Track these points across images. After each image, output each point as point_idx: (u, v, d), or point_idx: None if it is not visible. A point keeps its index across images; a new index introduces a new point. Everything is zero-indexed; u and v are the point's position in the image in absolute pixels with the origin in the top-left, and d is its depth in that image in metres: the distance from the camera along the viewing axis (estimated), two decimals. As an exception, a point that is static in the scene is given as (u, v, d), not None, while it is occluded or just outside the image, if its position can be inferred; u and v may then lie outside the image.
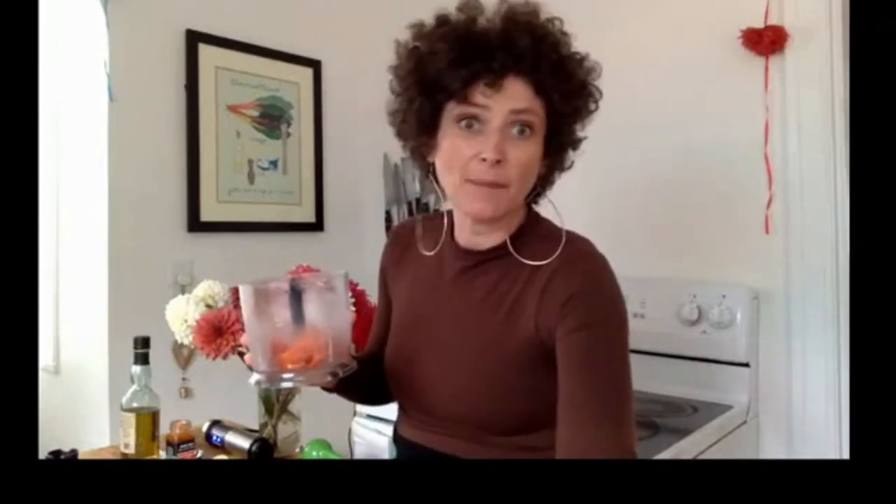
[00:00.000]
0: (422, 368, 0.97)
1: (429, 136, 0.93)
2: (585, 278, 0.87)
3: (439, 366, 0.95)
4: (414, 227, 1.05)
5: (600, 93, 0.94)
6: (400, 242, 1.08)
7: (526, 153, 0.87)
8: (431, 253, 1.00)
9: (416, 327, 1.00)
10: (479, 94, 0.86)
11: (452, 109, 0.88)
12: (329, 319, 0.88)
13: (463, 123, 0.88)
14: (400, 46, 0.93)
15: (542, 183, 0.97)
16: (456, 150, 0.88)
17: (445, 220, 1.00)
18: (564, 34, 0.90)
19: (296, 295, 0.88)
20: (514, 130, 0.87)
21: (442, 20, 0.90)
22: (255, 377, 0.88)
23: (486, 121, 0.86)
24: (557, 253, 0.89)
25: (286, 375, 0.86)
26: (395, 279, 1.07)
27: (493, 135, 0.86)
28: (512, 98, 0.86)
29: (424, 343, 0.97)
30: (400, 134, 0.97)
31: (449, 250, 0.98)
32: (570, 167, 0.98)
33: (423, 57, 0.88)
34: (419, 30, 0.91)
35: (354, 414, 1.73)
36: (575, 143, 0.95)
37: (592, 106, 0.94)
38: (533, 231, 0.95)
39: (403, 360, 1.00)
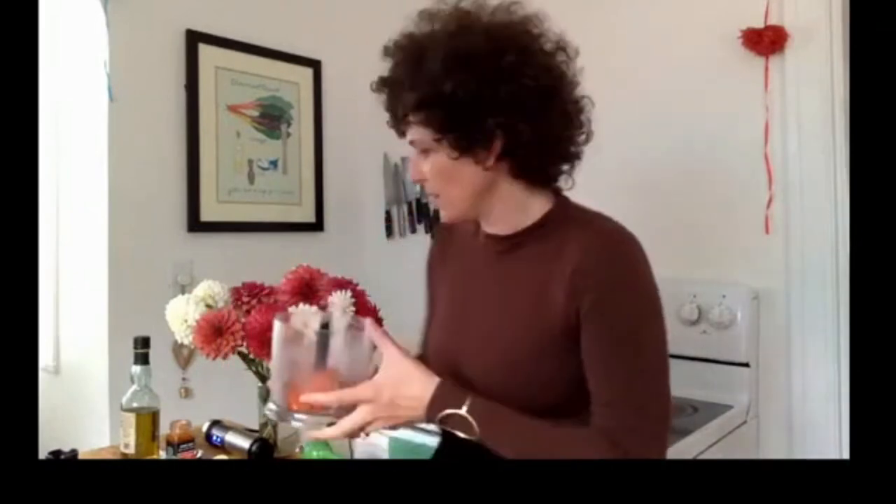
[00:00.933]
0: (461, 347, 1.01)
1: None
2: (610, 260, 0.90)
3: (476, 343, 0.99)
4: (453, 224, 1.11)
5: (508, 97, 0.91)
6: (442, 240, 1.16)
7: (430, 168, 0.96)
8: (472, 239, 1.07)
9: (458, 310, 1.05)
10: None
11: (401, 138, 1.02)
12: (348, 370, 0.91)
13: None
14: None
15: (523, 165, 0.96)
16: None
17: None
18: (450, 53, 0.90)
19: (324, 338, 0.91)
20: (421, 153, 0.98)
21: (387, 54, 0.98)
22: (269, 405, 0.92)
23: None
24: (585, 235, 0.92)
25: (294, 416, 0.89)
26: (441, 277, 1.13)
27: (413, 157, 1.00)
28: (410, 131, 0.97)
29: (464, 323, 1.02)
30: None
31: (484, 238, 1.05)
32: (538, 138, 0.95)
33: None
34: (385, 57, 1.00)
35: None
36: (485, 146, 0.94)
37: (500, 112, 0.92)
38: (562, 216, 0.98)
39: (445, 340, 1.05)
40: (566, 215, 0.98)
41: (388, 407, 0.89)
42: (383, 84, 0.97)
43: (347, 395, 0.90)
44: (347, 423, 0.90)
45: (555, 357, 0.92)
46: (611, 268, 0.90)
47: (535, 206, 0.98)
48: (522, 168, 0.96)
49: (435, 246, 1.17)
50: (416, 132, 0.95)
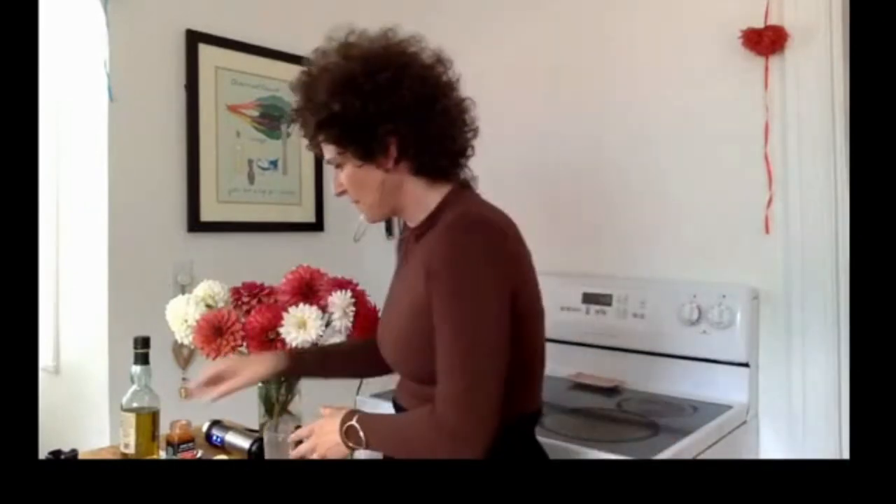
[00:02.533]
0: (383, 329, 1.20)
1: None
2: (442, 237, 1.01)
3: (389, 325, 1.17)
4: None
5: (386, 112, 1.05)
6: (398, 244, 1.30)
7: (346, 179, 1.11)
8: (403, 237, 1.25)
9: (387, 301, 1.23)
10: None
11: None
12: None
13: None
14: None
15: (420, 162, 1.09)
16: None
17: None
18: (332, 80, 1.06)
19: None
20: (333, 166, 1.13)
21: (292, 89, 1.16)
22: None
23: None
24: (444, 221, 1.04)
25: None
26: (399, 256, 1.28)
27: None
28: (324, 152, 1.12)
29: (386, 309, 1.22)
30: None
31: (408, 233, 1.21)
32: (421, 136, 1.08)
33: None
34: None
35: (354, 414, 1.73)
36: (379, 153, 1.08)
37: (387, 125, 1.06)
38: (448, 207, 1.10)
39: (380, 328, 1.23)
40: (450, 204, 1.10)
41: (320, 436, 1.10)
42: (294, 115, 1.15)
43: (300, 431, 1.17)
44: (301, 448, 1.13)
45: (426, 332, 1.01)
46: (446, 245, 1.00)
47: (433, 200, 1.11)
48: (419, 166, 1.09)
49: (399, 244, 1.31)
50: (326, 150, 1.11)
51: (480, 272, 0.98)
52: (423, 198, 1.11)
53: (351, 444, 1.07)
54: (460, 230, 1.00)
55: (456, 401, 0.96)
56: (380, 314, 1.28)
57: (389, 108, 1.04)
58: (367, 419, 1.07)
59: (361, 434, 1.05)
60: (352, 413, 1.09)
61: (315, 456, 1.11)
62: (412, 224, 1.15)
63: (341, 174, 1.12)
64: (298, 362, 1.28)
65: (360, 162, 1.08)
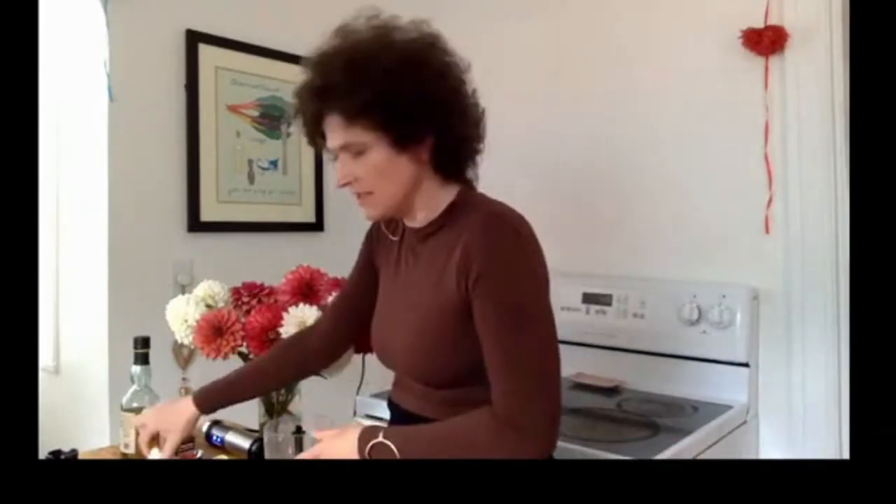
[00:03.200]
0: (388, 336, 1.14)
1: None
2: (480, 237, 0.98)
3: (396, 327, 1.12)
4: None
5: (440, 91, 1.02)
6: (377, 235, 1.25)
7: (366, 167, 1.03)
8: (396, 238, 1.19)
9: (386, 303, 1.18)
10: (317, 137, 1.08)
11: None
12: None
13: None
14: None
15: (444, 161, 1.07)
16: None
17: None
18: (390, 47, 1.01)
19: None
20: (349, 154, 1.04)
21: (305, 66, 1.08)
22: None
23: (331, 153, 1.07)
24: (474, 219, 1.01)
25: None
26: (379, 253, 1.23)
27: (337, 165, 1.06)
28: (331, 135, 1.05)
29: (389, 314, 1.16)
30: None
31: (404, 234, 1.17)
32: (467, 135, 1.08)
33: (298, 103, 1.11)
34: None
35: (354, 414, 1.74)
36: (417, 142, 1.04)
37: (429, 104, 1.02)
38: (462, 205, 1.07)
39: (378, 332, 1.18)
40: (466, 203, 1.07)
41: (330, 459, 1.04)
42: (314, 93, 1.04)
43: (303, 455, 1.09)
44: None
45: (453, 335, 1.01)
46: (491, 245, 0.97)
47: (443, 199, 1.09)
48: (441, 164, 1.07)
49: (375, 227, 1.26)
50: (352, 134, 1.02)
51: (533, 271, 0.98)
52: (435, 197, 1.08)
53: (375, 457, 1.01)
54: (501, 230, 0.98)
55: (528, 400, 0.93)
56: (374, 319, 1.21)
57: (436, 100, 1.01)
58: (397, 434, 1.00)
59: (395, 449, 0.97)
60: (371, 430, 1.01)
61: None
62: (414, 224, 1.12)
63: (357, 163, 1.04)
64: (207, 403, 1.27)
65: (394, 150, 1.02)
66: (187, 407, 1.26)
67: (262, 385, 1.33)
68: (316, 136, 1.10)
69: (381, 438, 0.98)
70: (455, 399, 1.04)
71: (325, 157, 1.12)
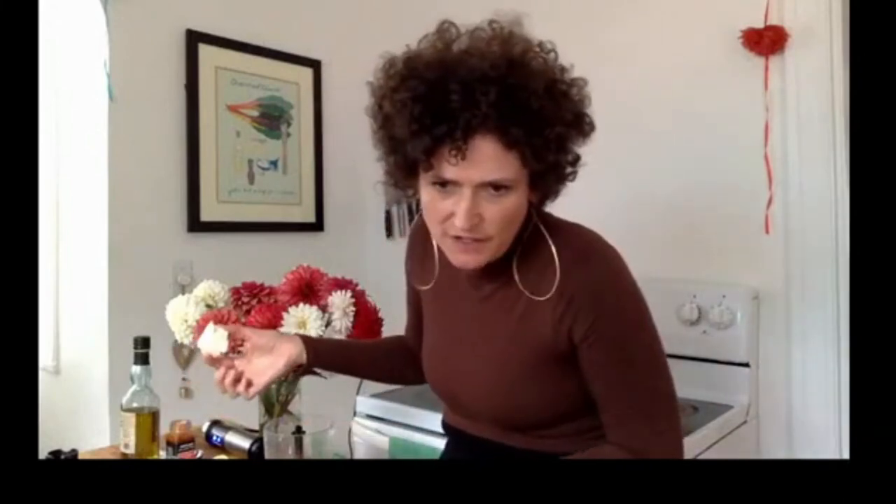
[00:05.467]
0: (453, 374, 1.02)
1: (408, 182, 0.91)
2: (593, 277, 0.89)
3: (466, 365, 0.99)
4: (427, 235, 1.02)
5: (590, 122, 0.90)
6: (418, 242, 1.11)
7: (503, 209, 0.85)
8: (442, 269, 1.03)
9: (446, 337, 1.04)
10: (446, 164, 0.81)
11: (424, 171, 0.85)
12: None
13: (437, 185, 0.85)
14: (372, 87, 0.89)
15: (540, 204, 0.95)
16: (433, 207, 0.87)
17: (436, 247, 1.01)
18: (544, 70, 0.84)
19: None
20: (490, 190, 0.84)
21: (410, 69, 0.84)
22: None
23: (458, 185, 0.83)
24: (565, 252, 0.90)
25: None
26: (419, 276, 1.11)
27: (465, 198, 0.83)
28: (479, 165, 0.81)
29: (453, 350, 1.02)
30: (383, 168, 0.95)
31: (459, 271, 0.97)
32: (571, 179, 0.93)
33: (387, 117, 0.85)
34: (387, 76, 0.86)
35: (354, 414, 1.74)
36: (566, 176, 0.91)
37: (581, 136, 0.89)
38: (539, 232, 0.94)
39: (439, 367, 1.06)
40: (543, 229, 0.94)
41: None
42: (456, 107, 0.79)
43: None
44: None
45: (546, 375, 0.92)
46: (594, 290, 0.88)
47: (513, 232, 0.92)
48: (543, 200, 0.93)
49: (411, 247, 1.14)
50: (506, 165, 0.82)
51: (640, 295, 0.92)
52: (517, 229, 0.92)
53: None
54: (598, 265, 0.90)
55: (661, 441, 0.88)
56: (430, 349, 1.09)
57: (579, 131, 0.88)
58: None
59: None
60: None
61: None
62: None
63: (495, 204, 0.84)
64: (318, 360, 1.12)
65: (531, 187, 0.87)
66: (298, 345, 1.10)
67: (369, 371, 1.24)
68: (422, 160, 0.83)
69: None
70: (538, 436, 0.97)
71: (388, 189, 0.98)
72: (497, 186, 0.83)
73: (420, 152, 0.81)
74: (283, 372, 1.08)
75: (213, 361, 1.11)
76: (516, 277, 0.93)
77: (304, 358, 1.09)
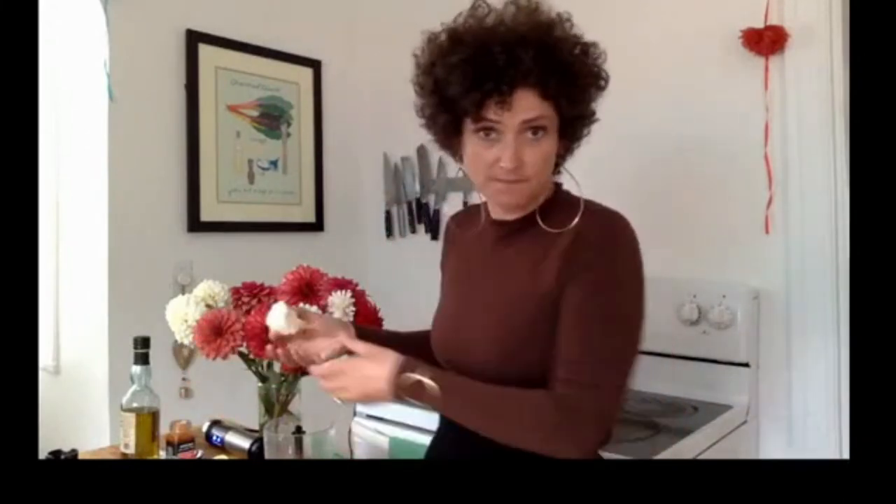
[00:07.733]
0: (462, 323, 1.07)
1: (453, 141, 1.04)
2: (604, 236, 0.97)
3: (476, 317, 1.04)
4: (458, 216, 1.22)
5: (606, 77, 1.02)
6: (450, 229, 1.23)
7: (541, 152, 0.97)
8: (473, 232, 1.13)
9: (461, 297, 1.11)
10: (492, 112, 0.94)
11: (470, 123, 0.98)
12: None
13: (481, 133, 0.97)
14: (419, 59, 1.02)
15: (561, 159, 1.06)
16: (478, 157, 0.99)
17: (482, 207, 1.13)
18: (568, 35, 0.98)
19: None
20: (528, 134, 0.96)
21: (455, 39, 0.98)
22: None
23: (502, 131, 0.95)
24: (577, 219, 0.98)
25: None
26: (447, 271, 1.19)
27: (509, 144, 0.95)
28: (522, 110, 0.94)
29: (464, 300, 1.09)
30: (428, 130, 1.07)
31: (487, 226, 1.10)
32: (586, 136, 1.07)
33: (438, 81, 0.98)
34: (434, 47, 1.00)
35: (354, 414, 1.74)
36: (588, 125, 1.04)
37: (600, 91, 1.02)
38: (557, 202, 1.04)
39: (447, 326, 1.11)
40: (562, 200, 1.04)
41: (355, 378, 0.99)
42: (503, 65, 0.92)
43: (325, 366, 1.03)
44: (326, 384, 1.02)
45: (545, 332, 0.96)
46: (608, 244, 0.97)
47: (541, 194, 1.04)
48: (569, 148, 1.05)
49: (445, 243, 1.23)
50: (541, 108, 0.94)
51: (642, 270, 1.01)
52: (545, 187, 1.04)
53: (406, 397, 0.94)
54: (623, 232, 1.00)
55: (592, 397, 0.90)
56: (440, 312, 1.14)
57: (604, 83, 1.02)
58: (444, 377, 0.95)
59: (436, 389, 0.92)
60: (409, 363, 0.96)
61: (345, 397, 1.00)
62: (512, 215, 1.05)
63: (533, 148, 0.96)
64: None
65: (560, 136, 0.99)
66: (351, 330, 1.15)
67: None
68: (472, 112, 0.95)
69: (422, 377, 0.93)
70: None
71: (440, 145, 1.06)
72: (535, 129, 0.95)
73: (471, 105, 0.94)
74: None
75: (280, 340, 1.16)
76: (539, 219, 1.02)
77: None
